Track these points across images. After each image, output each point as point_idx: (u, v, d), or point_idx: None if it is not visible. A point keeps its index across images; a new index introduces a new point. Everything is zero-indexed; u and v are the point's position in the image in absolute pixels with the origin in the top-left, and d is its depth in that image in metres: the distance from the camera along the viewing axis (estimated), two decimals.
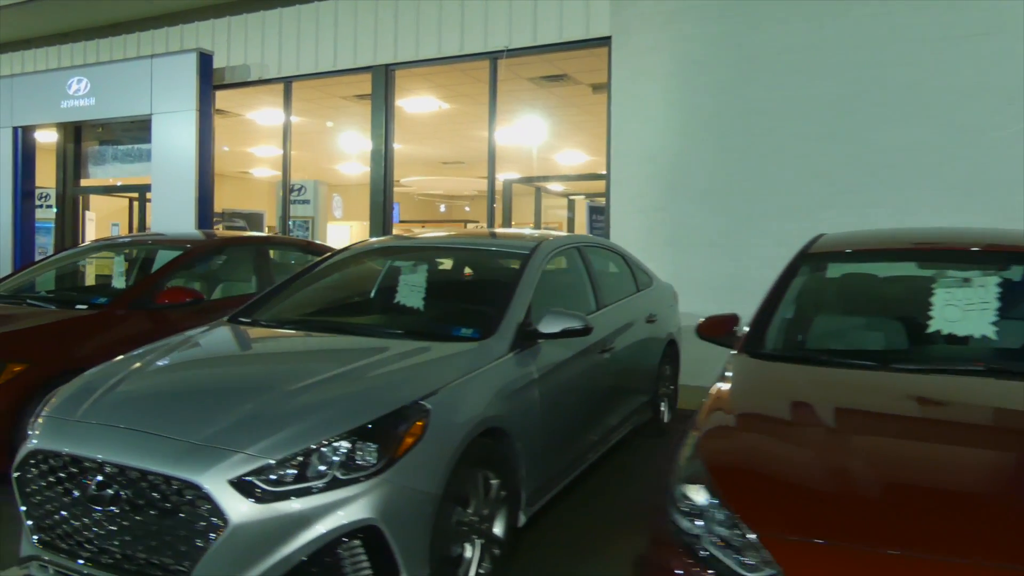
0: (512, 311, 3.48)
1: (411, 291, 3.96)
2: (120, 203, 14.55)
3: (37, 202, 11.71)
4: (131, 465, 2.48)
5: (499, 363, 3.21)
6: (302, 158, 17.63)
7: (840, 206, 6.92)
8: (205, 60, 9.69)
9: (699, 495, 2.03)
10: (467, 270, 4.56)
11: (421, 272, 4.05)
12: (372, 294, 4.41)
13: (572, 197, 14.47)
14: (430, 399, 2.76)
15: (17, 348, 4.15)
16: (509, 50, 8.47)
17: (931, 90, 6.60)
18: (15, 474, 2.76)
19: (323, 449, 2.48)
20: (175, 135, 9.77)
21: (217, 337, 3.60)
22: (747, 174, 7.27)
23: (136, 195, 11.44)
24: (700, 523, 1.97)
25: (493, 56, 8.66)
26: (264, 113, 12.72)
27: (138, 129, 11.01)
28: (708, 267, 7.37)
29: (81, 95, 10.50)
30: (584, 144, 15.19)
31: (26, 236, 11.45)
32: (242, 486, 2.38)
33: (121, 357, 3.33)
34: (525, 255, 3.96)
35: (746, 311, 3.59)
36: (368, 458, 2.50)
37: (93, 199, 12.40)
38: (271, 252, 5.88)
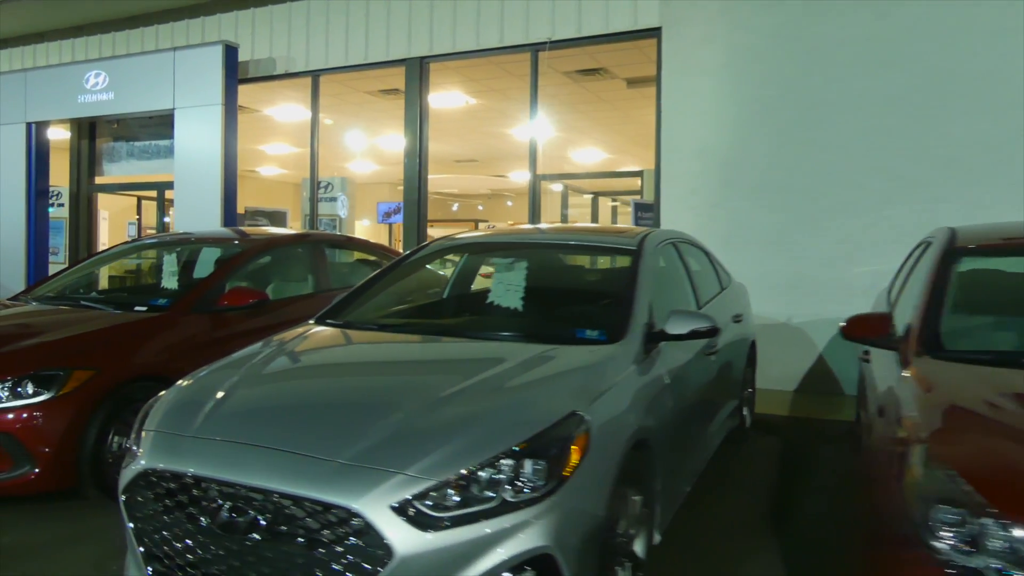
0: (638, 311, 3.22)
1: (508, 290, 3.69)
2: (127, 202, 14.21)
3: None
4: (273, 488, 2.20)
5: (636, 368, 2.95)
6: (306, 156, 17.35)
7: (904, 202, 6.70)
8: (231, 53, 9.36)
9: (965, 517, 1.77)
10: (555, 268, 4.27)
11: (519, 270, 3.77)
12: (465, 294, 4.12)
13: (587, 195, 14.25)
14: (587, 410, 2.49)
15: (82, 354, 3.85)
16: (552, 42, 8.20)
17: (1000, 82, 6.38)
18: (122, 496, 2.48)
19: (489, 468, 2.20)
20: (199, 130, 9.44)
21: (319, 342, 3.32)
22: (805, 169, 7.04)
23: (155, 193, 11.08)
24: (982, 558, 1.71)
25: (535, 48, 8.39)
26: (282, 109, 12.43)
27: (156, 125, 10.69)
28: (764, 265, 7.13)
29: (99, 89, 10.16)
30: (604, 141, 14.95)
31: (40, 236, 11.09)
32: (405, 512, 2.11)
33: (219, 364, 3.04)
34: (633, 250, 3.70)
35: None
36: (536, 478, 2.23)
37: (100, 197, 12.02)
38: (326, 251, 5.59)
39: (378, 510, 2.09)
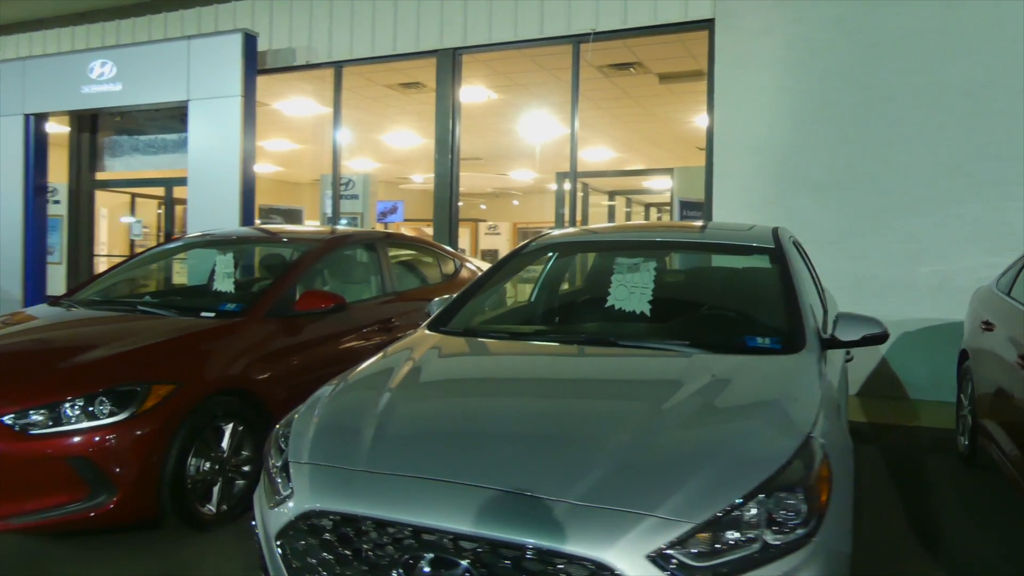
0: (807, 316, 2.90)
1: (632, 293, 3.33)
2: (121, 198, 13.61)
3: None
4: (488, 535, 1.82)
5: (821, 382, 2.61)
6: (307, 152, 16.83)
7: (974, 200, 6.47)
8: (250, 42, 8.90)
9: None
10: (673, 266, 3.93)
11: (646, 271, 3.41)
12: (583, 297, 3.74)
13: (592, 192, 13.96)
14: (818, 433, 2.15)
15: (160, 366, 3.43)
16: (596, 33, 7.87)
17: None
18: (277, 542, 2.08)
19: (746, 507, 1.85)
20: (216, 123, 8.96)
21: (457, 355, 2.94)
22: (869, 166, 6.78)
23: (162, 190, 10.56)
24: None
25: (577, 40, 8.05)
26: (292, 103, 11.96)
27: (164, 118, 10.17)
28: (826, 266, 6.81)
29: (106, 79, 9.62)
30: (616, 139, 14.63)
31: (38, 235, 10.51)
32: (665, 563, 1.75)
33: (352, 380, 2.67)
34: (772, 248, 3.38)
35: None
36: (796, 514, 1.88)
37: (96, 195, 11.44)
38: (389, 251, 5.19)
39: (633, 562, 1.73)
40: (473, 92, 10.77)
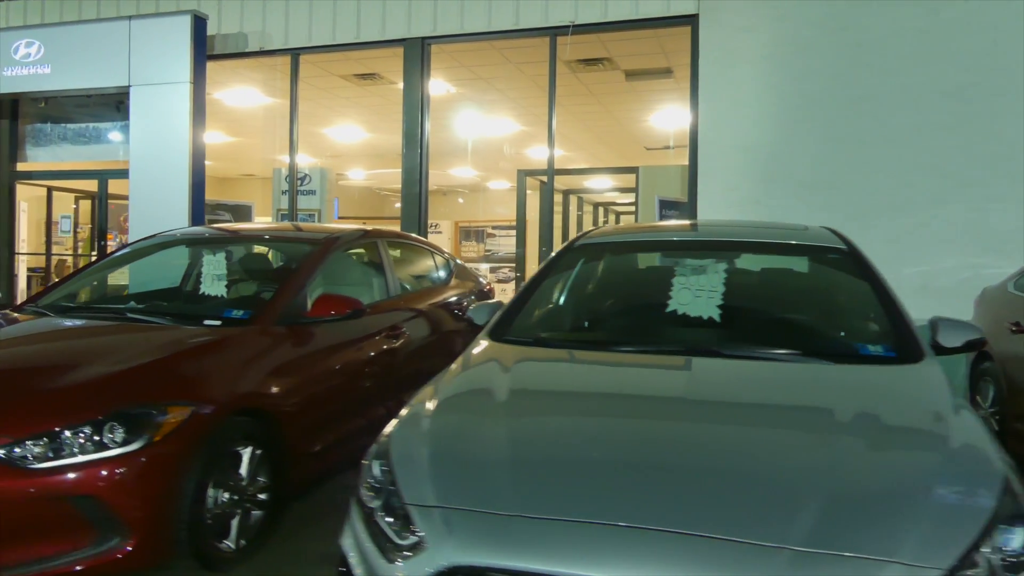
0: (910, 322, 2.72)
1: (697, 297, 3.09)
2: (34, 192, 12.52)
3: None
4: None
5: (956, 395, 2.43)
6: (241, 146, 15.97)
7: (956, 201, 6.55)
8: (199, 24, 8.25)
9: None
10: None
11: (714, 273, 3.17)
12: (634, 301, 3.45)
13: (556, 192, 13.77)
14: (998, 454, 1.95)
15: (173, 384, 2.97)
16: (575, 26, 7.62)
17: None
18: None
19: (982, 544, 1.62)
20: (162, 112, 8.27)
21: (553, 368, 2.63)
22: (853, 166, 6.79)
23: (88, 183, 9.72)
24: None
25: (554, 32, 7.78)
26: (234, 93, 11.24)
27: (97, 104, 9.36)
28: None
29: (32, 61, 8.76)
30: (566, 138, 14.46)
31: None
32: None
33: (443, 399, 2.31)
34: (845, 250, 3.21)
35: None
36: (1020, 549, 1.67)
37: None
38: (391, 250, 4.80)
39: None
40: (433, 85, 10.36)
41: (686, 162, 7.49)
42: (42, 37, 8.74)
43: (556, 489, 1.80)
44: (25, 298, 10.89)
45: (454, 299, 5.32)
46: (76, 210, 13.28)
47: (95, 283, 4.29)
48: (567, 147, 15.57)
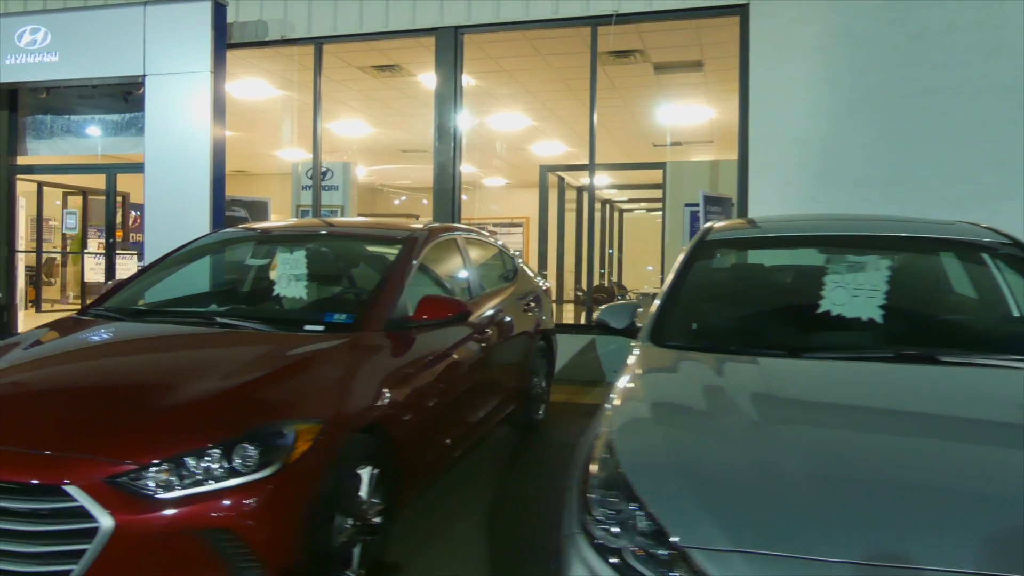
0: None
1: (855, 297, 2.85)
2: (25, 187, 11.98)
3: None
4: None
5: None
6: (241, 140, 15.47)
7: (1020, 197, 6.40)
8: (219, 11, 7.85)
9: None
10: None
11: (874, 271, 2.92)
12: (798, 300, 3.18)
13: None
14: None
15: (299, 399, 2.65)
16: (619, 15, 7.35)
17: None
18: None
19: None
20: (181, 102, 7.86)
21: (764, 379, 2.36)
22: (912, 162, 6.61)
23: (81, 177, 9.25)
24: None
25: (595, 22, 7.51)
26: (243, 85, 10.79)
27: (102, 95, 8.91)
28: None
29: (38, 49, 8.28)
30: (578, 134, 14.18)
31: None
32: None
33: (669, 416, 2.04)
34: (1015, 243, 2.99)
35: None
36: None
37: None
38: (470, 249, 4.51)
39: None
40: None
41: (699, 158, 7.29)
42: (49, 23, 8.26)
43: (876, 524, 1.53)
44: (25, 300, 10.40)
45: (522, 297, 5.05)
46: (84, 207, 12.75)
47: (167, 285, 3.92)
48: (574, 143, 15.32)
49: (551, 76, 9.94)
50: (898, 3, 6.61)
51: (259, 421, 2.45)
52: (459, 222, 7.99)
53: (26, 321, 10.01)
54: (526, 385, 5.00)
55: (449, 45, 7.86)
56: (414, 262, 3.67)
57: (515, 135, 14.08)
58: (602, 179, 15.51)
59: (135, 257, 9.69)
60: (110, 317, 3.41)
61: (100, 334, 3.19)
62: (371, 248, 4.18)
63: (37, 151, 9.33)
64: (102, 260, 13.76)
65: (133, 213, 13.61)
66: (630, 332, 2.99)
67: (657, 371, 2.46)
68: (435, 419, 3.46)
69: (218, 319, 3.29)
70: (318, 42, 8.32)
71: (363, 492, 2.85)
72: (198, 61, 7.77)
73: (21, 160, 9.40)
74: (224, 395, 2.56)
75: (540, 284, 5.72)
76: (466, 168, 18.01)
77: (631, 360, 2.63)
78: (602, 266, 14.57)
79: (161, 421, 2.42)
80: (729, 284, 3.38)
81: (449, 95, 7.90)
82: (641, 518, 1.70)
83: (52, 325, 3.35)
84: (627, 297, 12.99)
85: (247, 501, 2.32)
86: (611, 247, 15.85)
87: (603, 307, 3.16)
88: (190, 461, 2.31)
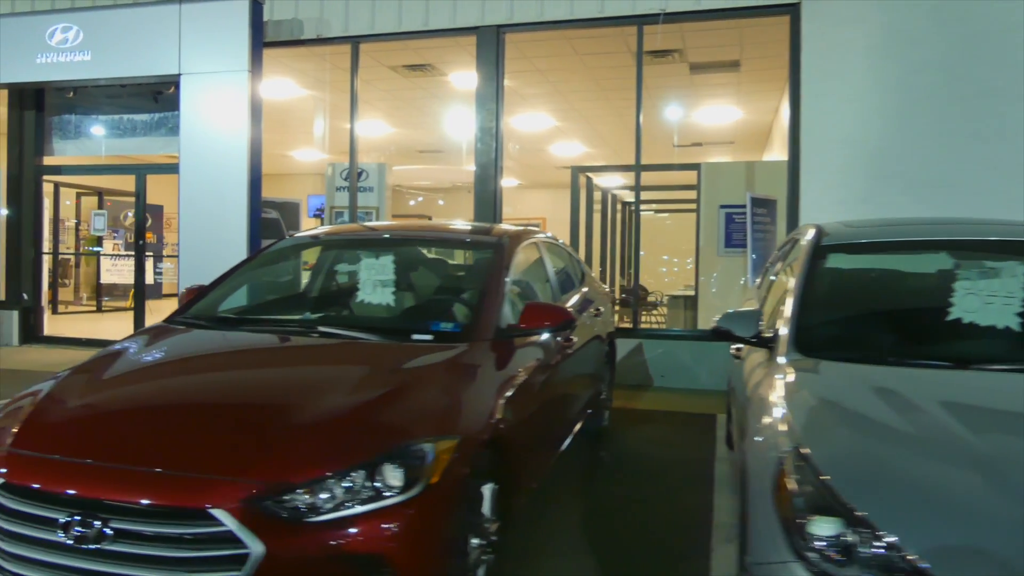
0: None
1: (988, 304, 2.75)
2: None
3: None
4: None
5: None
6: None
7: None
8: (256, 9, 7.74)
9: None
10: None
11: (1012, 277, 2.82)
12: (926, 305, 3.07)
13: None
14: None
15: (431, 415, 2.54)
16: (666, 14, 7.24)
17: None
18: None
19: None
20: (218, 102, 7.73)
21: (930, 394, 2.24)
22: (970, 164, 6.51)
23: (120, 176, 9.10)
24: None
25: (641, 21, 7.39)
26: (268, 84, 10.64)
27: (130, 95, 8.78)
28: None
29: (70, 48, 8.13)
30: (599, 135, 14.07)
31: None
32: None
33: (870, 428, 1.92)
34: None
35: None
36: None
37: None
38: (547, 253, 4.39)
39: None
40: (473, 78, 9.85)
41: (719, 159, 7.19)
42: (81, 22, 8.12)
43: None
44: (48, 300, 10.23)
45: (591, 301, 4.94)
46: (100, 208, 12.58)
47: (252, 290, 3.79)
48: (593, 144, 15.22)
49: (584, 76, 9.83)
50: (954, 3, 6.52)
51: (401, 439, 2.33)
52: (500, 222, 7.86)
53: (49, 323, 9.85)
54: (598, 391, 4.89)
55: (491, 44, 7.74)
56: (509, 268, 3.55)
57: (535, 136, 13.97)
58: (615, 180, 15.42)
59: (151, 259, 9.55)
60: (202, 326, 3.28)
61: (204, 345, 3.05)
62: (458, 253, 4.05)
63: (64, 151, 9.19)
64: (118, 261, 13.62)
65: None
66: (756, 340, 2.88)
67: (826, 382, 2.36)
68: (536, 429, 3.35)
69: (319, 328, 3.16)
70: (355, 41, 8.19)
71: (486, 510, 2.72)
72: (235, 60, 7.65)
73: (48, 160, 9.26)
74: (357, 412, 2.44)
75: (603, 288, 5.61)
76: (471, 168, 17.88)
77: (783, 371, 2.51)
78: (624, 268, 14.44)
79: (300, 440, 2.29)
80: (857, 290, 3.26)
81: (491, 95, 7.78)
82: (868, 541, 1.60)
83: (148, 334, 3.21)
84: (662, 299, 12.89)
85: (395, 524, 2.19)
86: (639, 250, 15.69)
87: (724, 315, 3.04)
88: (334, 483, 2.19)
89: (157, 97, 8.67)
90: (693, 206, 13.24)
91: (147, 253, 9.55)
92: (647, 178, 14.85)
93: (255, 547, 2.05)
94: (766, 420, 2.31)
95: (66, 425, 2.44)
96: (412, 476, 2.26)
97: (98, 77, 8.17)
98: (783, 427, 2.15)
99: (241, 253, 7.54)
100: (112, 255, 13.44)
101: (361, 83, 10.38)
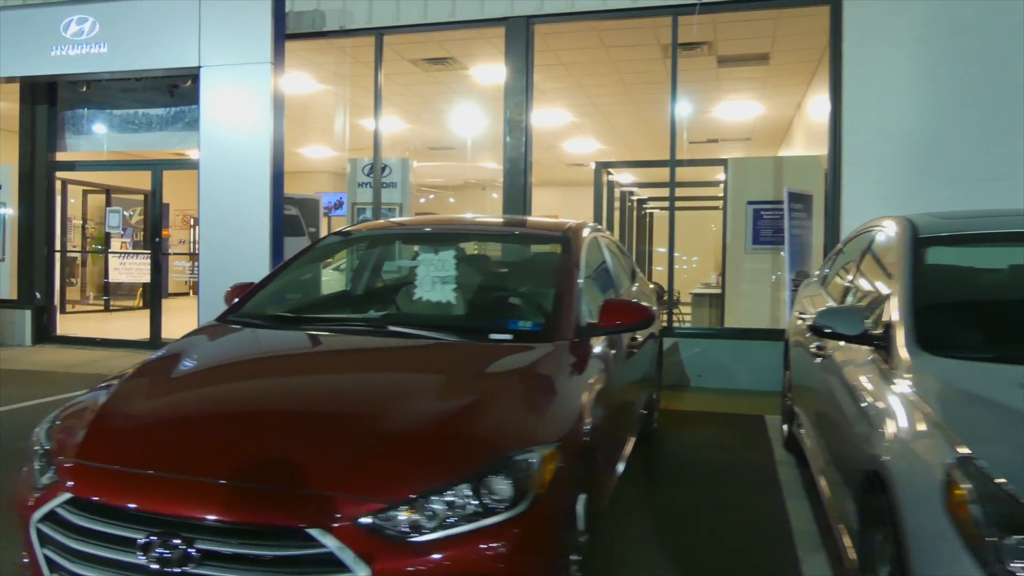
0: None
1: None
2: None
3: None
4: None
5: None
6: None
7: None
8: (279, 1, 7.50)
9: None
10: None
11: None
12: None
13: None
14: None
15: (531, 423, 2.34)
16: (703, 4, 7.04)
17: None
18: None
19: None
20: (239, 95, 7.51)
21: None
22: (1020, 156, 6.32)
23: (148, 172, 8.84)
24: None
25: (678, 11, 7.19)
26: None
27: (146, 89, 8.56)
28: None
29: (85, 40, 7.91)
30: (616, 131, 13.87)
31: None
32: None
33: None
34: None
35: None
36: None
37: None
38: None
39: None
40: (495, 72, 9.60)
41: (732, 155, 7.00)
42: (97, 13, 7.90)
43: None
44: (60, 300, 10.00)
45: (645, 296, 4.75)
46: (107, 205, 12.34)
47: (305, 288, 3.59)
48: (605, 140, 15.03)
49: (608, 70, 9.63)
50: None
51: (506, 449, 2.12)
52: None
53: (60, 323, 9.62)
54: (652, 391, 4.70)
55: (520, 36, 7.53)
56: (580, 263, 3.35)
57: (550, 132, 13.76)
58: (628, 177, 15.22)
59: (166, 257, 9.33)
60: (260, 325, 3.07)
61: (272, 347, 2.85)
62: (520, 248, 3.85)
63: (77, 147, 8.98)
64: (126, 260, 13.40)
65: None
66: (863, 339, 2.68)
67: (967, 382, 2.17)
68: (612, 433, 3.17)
69: (389, 327, 2.96)
70: (379, 33, 7.98)
71: (579, 523, 2.53)
72: (257, 51, 7.43)
73: (60, 156, 9.04)
74: (455, 419, 2.24)
75: (648, 283, 5.42)
76: (489, 165, 17.72)
77: (908, 370, 2.32)
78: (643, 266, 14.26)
79: (398, 452, 2.08)
80: (964, 284, 3.08)
81: (520, 88, 7.58)
82: None
83: (207, 335, 2.99)
84: (678, 297, 12.70)
85: (504, 542, 1.99)
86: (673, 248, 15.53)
87: (822, 311, 2.85)
88: (438, 499, 1.98)
89: (173, 91, 8.46)
90: (707, 203, 13.10)
91: (163, 251, 9.33)
92: (655, 174, 14.71)
93: (360, 571, 1.85)
94: (900, 424, 2.12)
95: (139, 434, 2.23)
96: (520, 489, 2.06)
97: (115, 70, 7.96)
98: (934, 431, 1.95)
99: (264, 251, 7.34)
100: (120, 253, 13.21)
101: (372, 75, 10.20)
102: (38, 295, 9.01)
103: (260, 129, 7.43)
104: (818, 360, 3.48)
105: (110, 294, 14.07)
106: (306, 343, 2.90)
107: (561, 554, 2.24)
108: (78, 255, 14.45)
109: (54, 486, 2.11)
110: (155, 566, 1.88)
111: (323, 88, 10.89)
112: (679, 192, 14.86)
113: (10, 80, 8.44)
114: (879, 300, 2.93)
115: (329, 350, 2.84)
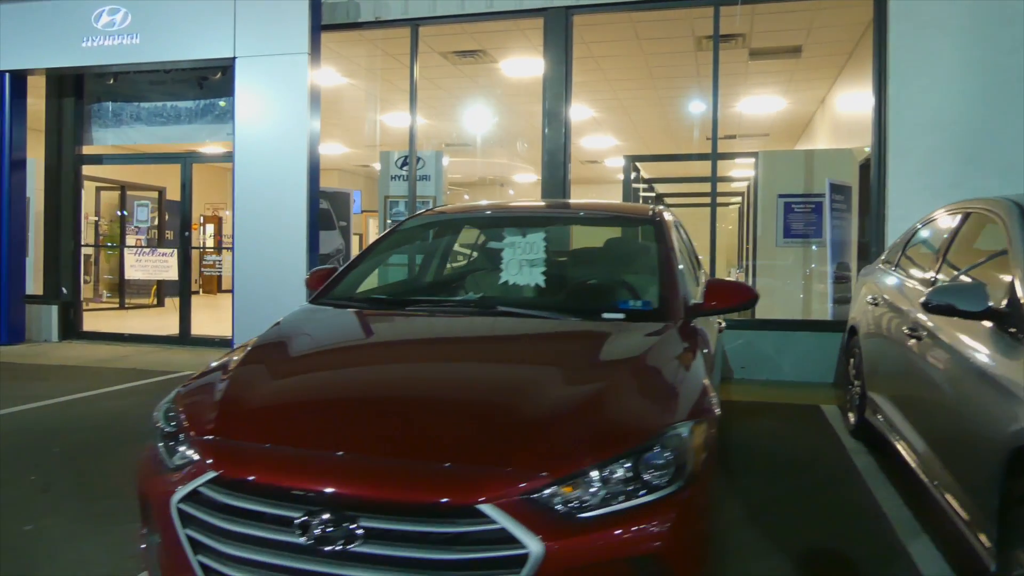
0: None
1: None
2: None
3: None
4: None
5: None
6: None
7: None
8: None
9: None
10: None
11: None
12: None
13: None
14: None
15: (676, 397, 2.30)
16: None
17: None
18: None
19: None
20: (276, 87, 7.45)
21: None
22: None
23: (179, 165, 8.75)
24: None
25: (720, 1, 7.14)
26: None
27: (175, 82, 8.49)
28: None
29: (116, 31, 7.83)
30: (637, 125, 13.82)
31: (15, 221, 8.49)
32: None
33: None
34: None
35: None
36: None
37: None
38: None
39: None
40: (528, 65, 9.58)
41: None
42: (129, 4, 7.82)
43: None
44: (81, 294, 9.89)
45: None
46: (122, 202, 12.22)
47: (388, 270, 3.53)
48: (623, 136, 14.98)
49: (638, 63, 9.59)
50: None
51: (662, 423, 2.07)
52: None
53: (84, 319, 9.52)
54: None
55: (559, 27, 7.48)
56: (673, 244, 3.30)
57: (575, 127, 13.70)
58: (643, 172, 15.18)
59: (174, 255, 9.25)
60: (357, 307, 3.01)
61: (385, 327, 2.79)
62: (608, 231, 3.80)
63: (104, 140, 8.89)
64: (143, 256, 13.30)
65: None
66: (987, 315, 2.63)
67: None
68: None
69: (500, 307, 2.90)
70: (414, 24, 7.91)
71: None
72: (294, 42, 7.36)
73: (87, 150, 8.96)
74: (603, 394, 2.18)
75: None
76: (501, 161, 17.61)
77: None
78: None
79: (555, 428, 2.03)
80: None
81: (559, 79, 7.53)
82: None
83: (308, 315, 2.93)
84: None
85: (668, 519, 1.93)
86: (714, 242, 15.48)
87: (936, 290, 2.80)
88: (601, 474, 1.92)
89: (202, 83, 8.39)
90: (724, 200, 13.02)
91: (195, 246, 9.24)
92: (669, 170, 14.68)
93: (534, 546, 1.78)
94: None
95: (282, 412, 2.16)
96: (679, 463, 2.00)
97: (147, 61, 7.88)
98: None
99: (301, 244, 7.27)
100: (136, 248, 13.11)
101: (402, 68, 10.14)
102: (64, 290, 8.92)
103: (297, 120, 7.36)
104: (912, 342, 3.43)
105: (124, 292, 13.97)
106: (419, 323, 2.84)
107: (713, 531, 2.19)
108: (94, 251, 14.33)
109: (195, 465, 2.04)
110: (314, 544, 1.82)
111: (347, 82, 10.83)
112: (691, 188, 14.87)
113: (44, 72, 8.34)
114: (989, 279, 2.89)
115: (447, 329, 2.78)
